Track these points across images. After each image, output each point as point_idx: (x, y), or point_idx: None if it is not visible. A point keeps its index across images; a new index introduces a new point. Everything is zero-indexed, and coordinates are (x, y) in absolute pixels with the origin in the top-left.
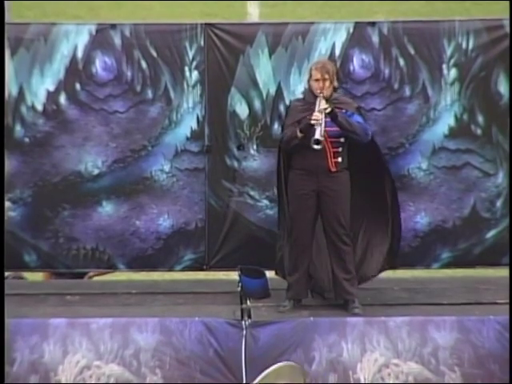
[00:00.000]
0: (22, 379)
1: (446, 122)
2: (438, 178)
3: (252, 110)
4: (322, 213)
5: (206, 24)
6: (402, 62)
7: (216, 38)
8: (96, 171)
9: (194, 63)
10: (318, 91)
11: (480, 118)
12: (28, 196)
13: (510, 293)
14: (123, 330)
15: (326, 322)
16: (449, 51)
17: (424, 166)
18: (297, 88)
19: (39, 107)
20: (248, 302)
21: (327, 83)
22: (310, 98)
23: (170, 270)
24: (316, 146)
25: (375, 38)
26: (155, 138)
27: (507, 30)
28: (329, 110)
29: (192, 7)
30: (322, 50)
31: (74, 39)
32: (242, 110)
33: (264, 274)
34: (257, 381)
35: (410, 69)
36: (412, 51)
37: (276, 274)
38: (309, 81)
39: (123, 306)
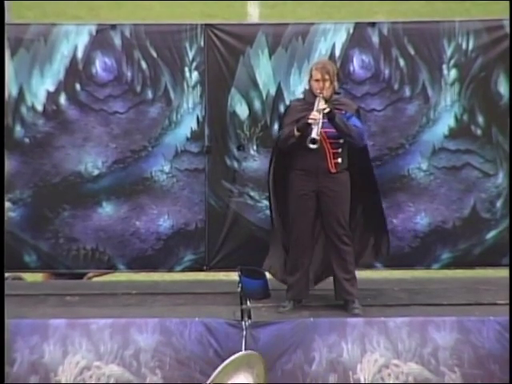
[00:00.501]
0: (22, 380)
1: (446, 122)
2: (438, 178)
3: (252, 111)
4: (321, 213)
5: (206, 24)
6: (402, 62)
7: (216, 39)
8: (96, 172)
9: (194, 64)
10: (318, 91)
11: (480, 119)
12: (28, 196)
13: (510, 293)
14: (123, 330)
15: (326, 323)
16: (449, 52)
17: (424, 166)
18: (297, 88)
19: (39, 107)
20: (248, 302)
21: (327, 84)
22: (310, 98)
23: (170, 270)
24: (312, 146)
25: (375, 39)
26: (155, 139)
27: (507, 30)
28: (327, 110)
29: (192, 7)
30: (322, 50)
31: (74, 40)
32: (242, 111)
33: (264, 275)
34: (214, 375)
35: (410, 69)
36: (412, 52)
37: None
38: (309, 81)
39: (123, 307)
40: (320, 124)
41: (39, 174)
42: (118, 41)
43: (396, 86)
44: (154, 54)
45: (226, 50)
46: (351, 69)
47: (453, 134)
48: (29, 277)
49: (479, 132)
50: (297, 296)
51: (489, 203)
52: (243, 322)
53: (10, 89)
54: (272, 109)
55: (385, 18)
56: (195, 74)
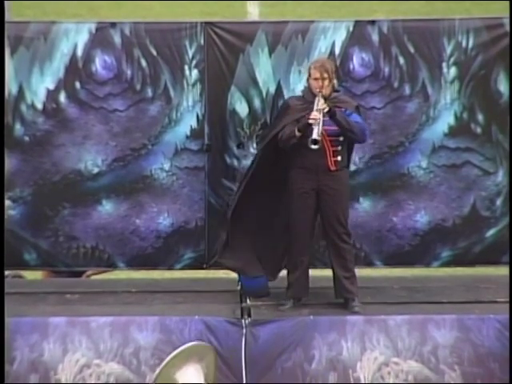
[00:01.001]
0: (21, 378)
1: (445, 120)
2: (438, 176)
3: (252, 109)
4: (321, 211)
5: (205, 23)
6: (401, 60)
7: (216, 37)
8: (96, 170)
9: (194, 62)
10: (317, 90)
11: (480, 117)
12: (28, 195)
13: (510, 291)
14: (123, 328)
15: (326, 321)
16: (449, 50)
17: (424, 164)
18: (296, 86)
19: (39, 106)
20: (248, 300)
21: (326, 82)
22: (309, 96)
23: (170, 268)
24: (313, 146)
25: (375, 37)
26: (155, 137)
27: (507, 28)
28: (327, 109)
29: (192, 7)
30: (321, 48)
31: (74, 38)
32: (242, 109)
33: (263, 274)
34: (162, 366)
35: (409, 67)
36: (412, 50)
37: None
38: (308, 80)
39: (123, 305)
40: (321, 124)
41: (39, 172)
42: (117, 39)
43: (396, 84)
44: (154, 52)
45: (225, 48)
46: (351, 67)
47: (453, 132)
48: (29, 275)
49: (479, 130)
50: (297, 294)
51: (489, 201)
52: (243, 320)
53: (10, 87)
54: (272, 107)
55: (385, 17)
56: (195, 72)
